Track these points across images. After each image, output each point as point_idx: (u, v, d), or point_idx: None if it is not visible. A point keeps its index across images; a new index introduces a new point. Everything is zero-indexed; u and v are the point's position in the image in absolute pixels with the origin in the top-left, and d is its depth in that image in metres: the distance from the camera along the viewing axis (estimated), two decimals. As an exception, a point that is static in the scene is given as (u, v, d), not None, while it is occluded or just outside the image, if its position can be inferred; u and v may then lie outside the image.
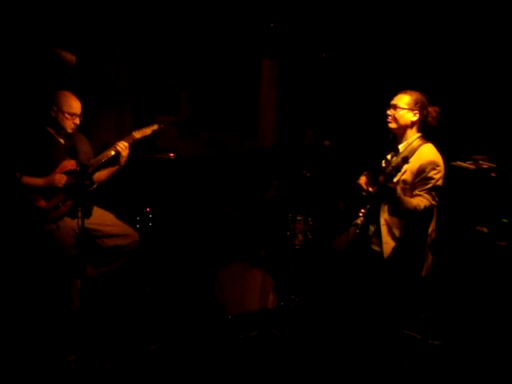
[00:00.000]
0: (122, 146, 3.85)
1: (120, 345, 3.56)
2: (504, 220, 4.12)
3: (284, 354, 3.61)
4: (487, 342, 3.68)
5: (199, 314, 4.05)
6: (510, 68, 4.77)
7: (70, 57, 4.73)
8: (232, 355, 3.57)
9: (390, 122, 3.66)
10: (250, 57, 6.47)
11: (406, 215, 3.48)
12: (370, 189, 3.68)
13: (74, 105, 3.77)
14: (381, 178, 3.42)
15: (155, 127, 4.01)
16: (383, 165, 3.74)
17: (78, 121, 3.80)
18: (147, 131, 3.98)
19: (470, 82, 4.97)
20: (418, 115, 3.60)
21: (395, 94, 3.82)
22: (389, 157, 3.72)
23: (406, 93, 3.64)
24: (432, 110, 3.63)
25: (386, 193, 3.40)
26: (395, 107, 3.63)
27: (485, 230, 4.11)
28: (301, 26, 5.83)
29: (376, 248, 3.62)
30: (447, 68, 5.07)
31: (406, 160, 3.31)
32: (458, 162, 4.34)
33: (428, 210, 3.49)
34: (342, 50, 5.70)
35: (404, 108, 3.60)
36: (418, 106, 3.59)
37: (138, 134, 3.95)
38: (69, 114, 3.74)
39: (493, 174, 4.23)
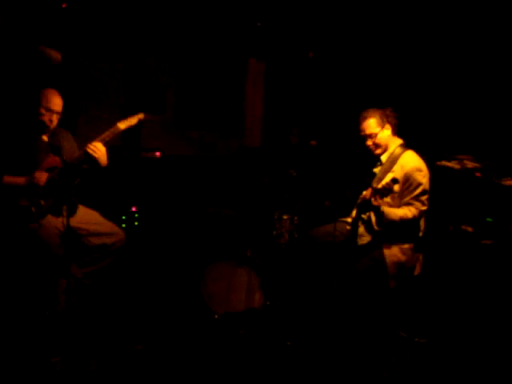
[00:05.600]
0: (93, 148, 3.66)
1: (106, 345, 3.54)
2: (488, 219, 4.16)
3: (270, 353, 3.61)
4: (472, 340, 3.71)
5: (185, 314, 4.04)
6: (493, 68, 4.82)
7: (56, 54, 4.68)
8: (218, 354, 3.57)
9: (374, 150, 3.79)
10: (237, 56, 6.46)
11: (393, 226, 3.55)
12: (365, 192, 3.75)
13: (54, 100, 3.69)
14: (367, 193, 3.51)
15: (141, 116, 3.88)
16: (369, 178, 3.85)
17: (55, 118, 3.71)
18: (133, 121, 3.84)
19: (454, 82, 5.01)
20: (389, 127, 3.75)
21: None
22: (375, 170, 3.81)
23: (368, 118, 3.75)
24: (390, 113, 3.76)
25: (371, 208, 3.51)
26: (371, 136, 3.76)
27: (470, 229, 4.15)
28: (288, 26, 5.84)
29: (364, 241, 3.71)
30: (432, 68, 5.10)
31: (395, 181, 3.39)
32: (443, 162, 4.37)
33: (417, 217, 3.56)
34: (329, 50, 5.71)
35: (378, 132, 3.73)
36: (384, 121, 3.73)
37: (122, 125, 3.80)
38: (45, 108, 3.66)
39: (477, 174, 4.27)
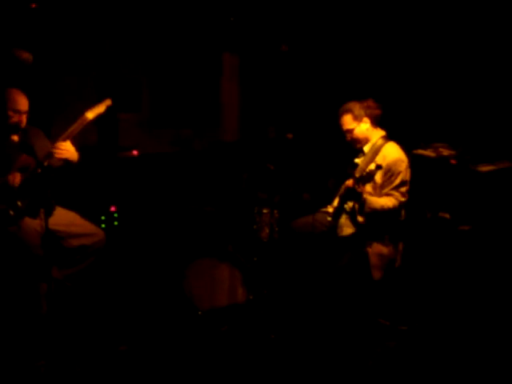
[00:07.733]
0: (58, 150, 3.59)
1: (90, 347, 3.52)
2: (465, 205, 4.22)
3: (255, 346, 3.63)
4: (453, 325, 3.77)
5: (169, 312, 4.03)
6: (466, 56, 4.86)
7: (27, 55, 4.62)
8: (204, 351, 3.57)
9: (355, 145, 3.82)
10: (211, 51, 6.43)
11: (376, 216, 3.59)
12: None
13: (20, 101, 3.62)
14: (350, 182, 3.54)
15: (108, 102, 3.78)
16: (352, 168, 3.86)
17: (24, 118, 3.64)
18: (101, 109, 3.74)
19: (430, 70, 5.05)
20: (367, 120, 3.74)
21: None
22: (357, 160, 3.84)
23: (343, 114, 3.77)
24: (371, 104, 3.76)
25: (354, 197, 3.53)
26: (348, 131, 3.78)
27: (447, 215, 4.21)
28: (261, 19, 5.83)
29: (346, 233, 3.74)
30: (407, 58, 5.13)
31: (379, 167, 3.42)
32: (419, 151, 4.43)
33: (397, 207, 3.60)
34: (303, 43, 5.71)
35: (354, 127, 3.74)
36: (361, 114, 3.73)
37: (91, 114, 3.69)
38: (13, 110, 3.59)
39: (452, 161, 4.33)
